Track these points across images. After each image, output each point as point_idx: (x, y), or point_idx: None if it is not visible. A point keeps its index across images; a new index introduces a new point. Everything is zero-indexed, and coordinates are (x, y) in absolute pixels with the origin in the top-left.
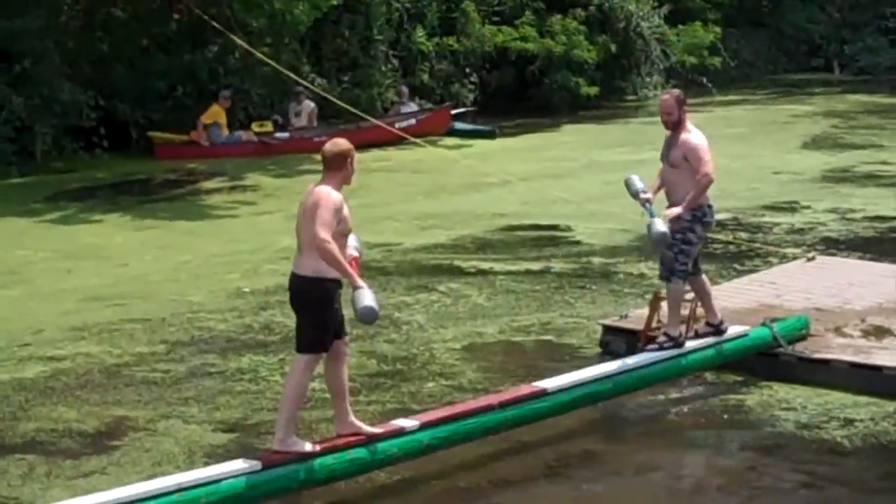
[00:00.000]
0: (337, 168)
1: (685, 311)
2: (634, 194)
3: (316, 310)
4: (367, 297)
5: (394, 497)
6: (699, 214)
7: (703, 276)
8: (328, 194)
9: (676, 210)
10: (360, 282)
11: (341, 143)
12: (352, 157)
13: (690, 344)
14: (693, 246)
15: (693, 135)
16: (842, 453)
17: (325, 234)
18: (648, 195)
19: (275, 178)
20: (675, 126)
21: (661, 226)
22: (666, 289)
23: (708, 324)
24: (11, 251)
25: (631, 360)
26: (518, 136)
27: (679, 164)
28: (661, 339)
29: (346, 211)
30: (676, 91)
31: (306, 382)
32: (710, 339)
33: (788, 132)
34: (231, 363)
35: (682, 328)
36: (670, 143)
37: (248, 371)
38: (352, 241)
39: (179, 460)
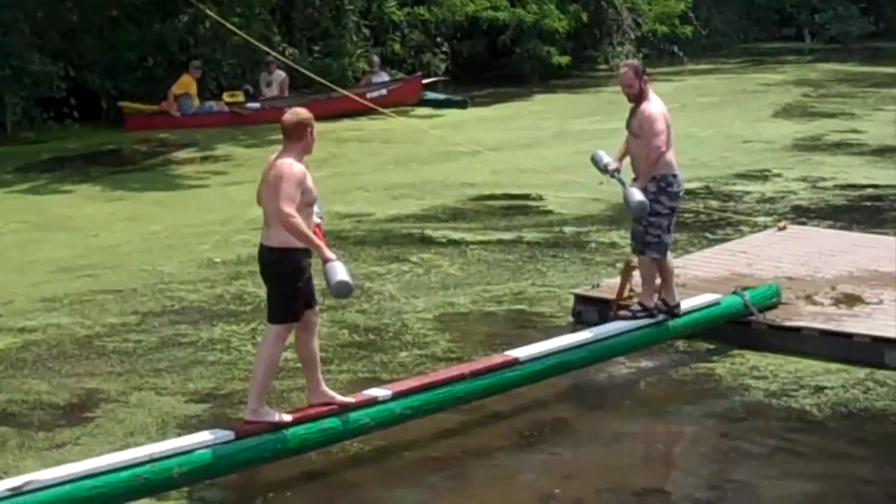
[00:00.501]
0: (297, 138)
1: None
2: (604, 169)
3: (285, 280)
4: (339, 272)
5: (367, 467)
6: (663, 185)
7: (668, 254)
8: (290, 167)
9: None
10: (330, 253)
11: (300, 113)
12: (311, 127)
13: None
14: (661, 217)
15: (651, 104)
16: (811, 421)
17: (289, 208)
18: (616, 165)
19: (246, 148)
20: (638, 97)
21: (638, 195)
22: (639, 261)
23: (663, 301)
24: None
25: (603, 329)
26: (490, 106)
27: (640, 134)
28: (635, 307)
29: (309, 181)
30: (634, 62)
31: (278, 353)
32: (682, 308)
33: (760, 101)
34: (203, 333)
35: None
36: (633, 113)
37: (220, 341)
38: (314, 208)
39: (152, 431)
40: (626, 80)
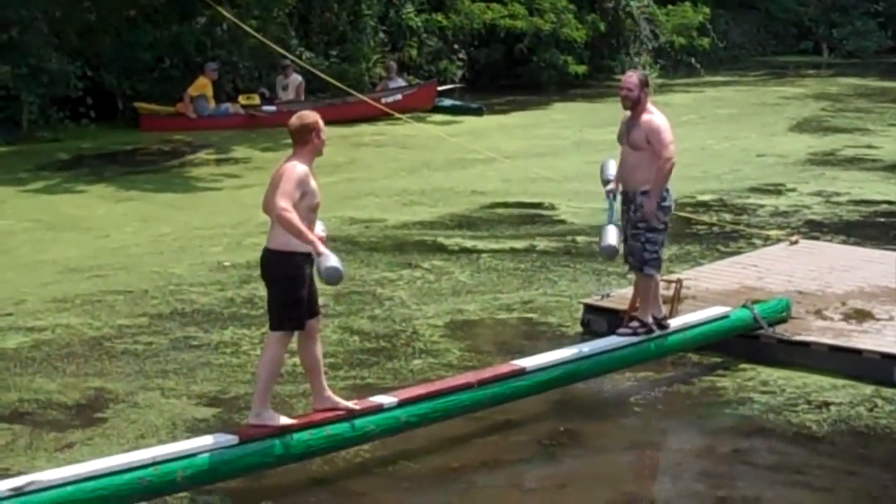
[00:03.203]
0: (303, 142)
1: (668, 292)
2: (605, 182)
3: (286, 286)
4: (331, 259)
5: (374, 475)
6: (658, 200)
7: None
8: (293, 167)
9: (651, 206)
10: (323, 248)
11: (306, 116)
12: (317, 130)
13: (673, 324)
14: (658, 233)
15: (656, 116)
16: (814, 436)
17: (284, 202)
18: (614, 187)
19: (261, 151)
20: (634, 106)
21: (613, 239)
22: (637, 278)
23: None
24: None
25: (611, 341)
26: (509, 114)
27: (641, 146)
28: (635, 324)
29: (312, 185)
30: (641, 72)
31: (280, 357)
32: (691, 320)
33: (777, 114)
34: (213, 336)
35: (666, 309)
36: (630, 125)
37: (229, 344)
38: (319, 226)
39: (162, 433)
40: (628, 83)
